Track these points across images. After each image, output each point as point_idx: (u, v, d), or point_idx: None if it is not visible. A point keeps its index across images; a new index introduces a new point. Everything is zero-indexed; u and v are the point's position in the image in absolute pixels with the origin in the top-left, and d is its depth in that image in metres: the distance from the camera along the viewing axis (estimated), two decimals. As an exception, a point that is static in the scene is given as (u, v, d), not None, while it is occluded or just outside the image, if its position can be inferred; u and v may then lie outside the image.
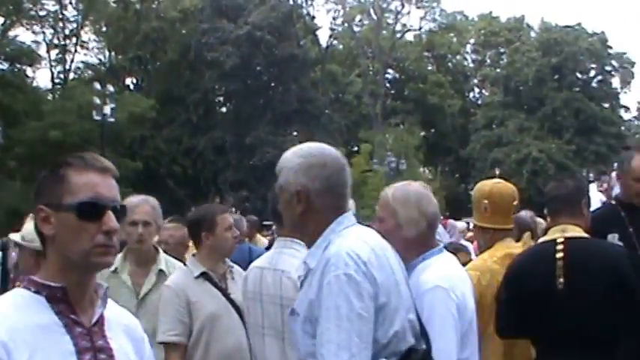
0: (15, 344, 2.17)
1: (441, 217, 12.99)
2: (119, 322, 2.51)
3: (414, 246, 3.97)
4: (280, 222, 4.43)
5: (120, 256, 5.27)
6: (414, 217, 3.96)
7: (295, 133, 56.04)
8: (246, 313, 4.71)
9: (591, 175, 43.81)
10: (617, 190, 21.96)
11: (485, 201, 4.99)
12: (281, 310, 4.27)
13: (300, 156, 3.43)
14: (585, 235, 4.63)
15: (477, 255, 6.99)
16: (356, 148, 55.86)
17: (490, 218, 5.00)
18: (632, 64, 67.03)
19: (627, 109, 69.42)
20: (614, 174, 24.33)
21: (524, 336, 4.65)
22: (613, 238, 6.00)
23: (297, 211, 3.38)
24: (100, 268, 2.44)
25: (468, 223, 15.85)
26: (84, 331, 2.32)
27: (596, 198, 25.91)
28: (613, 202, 6.41)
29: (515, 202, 5.14)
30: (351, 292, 3.05)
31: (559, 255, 4.35)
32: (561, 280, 4.30)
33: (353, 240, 3.23)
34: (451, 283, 3.87)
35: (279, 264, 4.40)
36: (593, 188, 26.99)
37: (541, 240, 4.79)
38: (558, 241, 4.43)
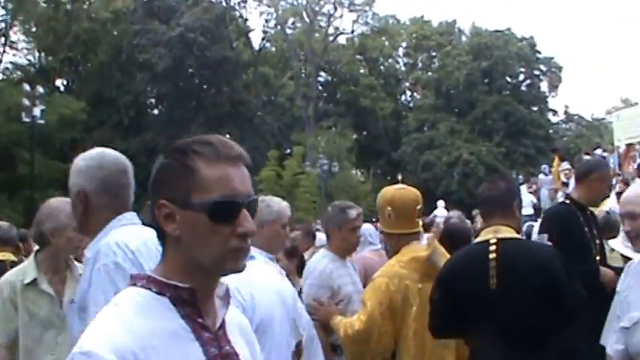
0: (145, 354, 1.94)
1: (373, 220, 13.18)
2: (234, 323, 2.28)
3: None
4: None
5: (31, 263, 5.05)
6: None
7: (228, 136, 55.88)
8: None
9: (520, 176, 44.47)
10: (544, 192, 22.34)
11: (389, 207, 5.08)
12: None
13: (82, 159, 3.66)
14: (517, 235, 4.73)
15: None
16: (288, 151, 55.62)
17: (395, 224, 5.09)
18: (560, 68, 68.37)
19: (555, 112, 70.87)
20: (541, 176, 24.78)
21: (457, 335, 4.76)
22: (542, 238, 6.19)
23: (78, 210, 3.62)
24: (233, 273, 2.17)
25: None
26: (211, 336, 2.11)
27: (527, 199, 26.31)
28: (567, 201, 6.59)
29: (418, 207, 5.22)
30: (118, 280, 3.20)
31: (492, 256, 4.41)
32: (494, 280, 4.36)
33: (125, 233, 3.47)
34: (238, 285, 3.96)
35: None
36: (523, 189, 27.56)
37: (475, 241, 4.89)
38: (491, 242, 4.47)
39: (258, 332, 3.85)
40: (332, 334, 5.32)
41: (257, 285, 4.14)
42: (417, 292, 4.91)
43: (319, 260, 5.93)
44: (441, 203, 28.73)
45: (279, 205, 5.27)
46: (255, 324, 3.88)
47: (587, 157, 28.81)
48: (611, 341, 4.09)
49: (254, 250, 4.79)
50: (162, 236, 2.08)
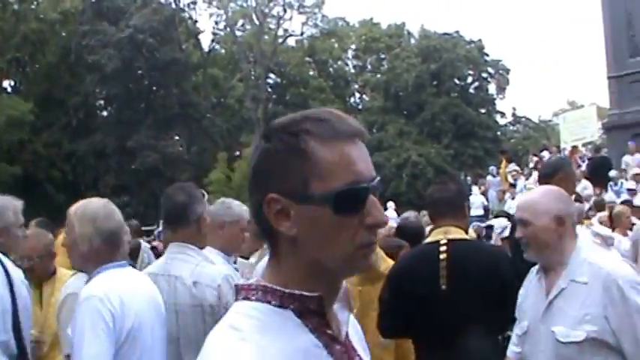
0: None
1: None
2: (354, 329, 1.96)
3: (90, 260, 4.11)
4: (174, 227, 4.66)
5: None
6: (87, 233, 4.06)
7: (177, 138, 55.85)
8: None
9: (469, 178, 44.93)
10: (492, 194, 22.64)
11: None
12: (175, 316, 4.39)
13: None
14: (467, 237, 4.90)
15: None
16: (238, 153, 55.70)
17: None
18: (508, 71, 68.97)
19: (503, 114, 71.27)
20: (489, 177, 25.14)
21: (405, 335, 4.86)
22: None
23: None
24: (362, 272, 1.95)
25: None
26: (342, 348, 1.79)
27: (478, 200, 26.73)
28: None
29: None
30: None
31: (442, 256, 4.53)
32: (444, 281, 4.47)
33: None
34: (108, 293, 3.95)
35: (172, 270, 4.50)
36: (475, 191, 27.98)
37: (425, 242, 4.97)
38: (442, 242, 4.60)
39: (129, 339, 3.95)
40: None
41: (127, 292, 4.10)
42: (357, 294, 5.01)
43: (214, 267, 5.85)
44: (390, 205, 28.96)
45: (240, 207, 5.40)
46: (126, 331, 3.95)
47: (535, 158, 29.37)
48: (511, 343, 4.26)
49: (211, 251, 5.02)
50: (271, 237, 1.76)
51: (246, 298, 1.77)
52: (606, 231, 10.76)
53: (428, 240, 4.87)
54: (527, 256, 4.07)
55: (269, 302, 1.73)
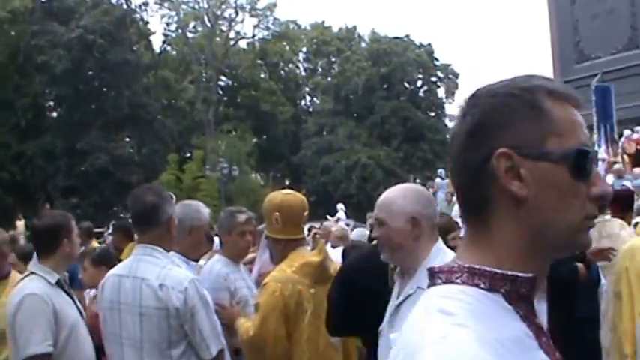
0: None
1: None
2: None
3: None
4: (142, 228, 4.62)
5: None
6: None
7: (127, 139, 55.61)
8: (103, 322, 4.59)
9: (418, 180, 45.30)
10: (441, 196, 23.20)
11: (277, 213, 5.05)
12: (140, 318, 4.34)
13: None
14: None
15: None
16: (188, 155, 55.51)
17: (282, 229, 5.07)
18: (457, 75, 69.54)
19: (452, 117, 71.48)
20: (437, 179, 25.58)
21: (354, 334, 4.87)
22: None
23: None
24: (580, 251, 1.62)
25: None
26: (548, 340, 1.55)
27: None
28: None
29: (305, 213, 5.25)
30: None
31: None
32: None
33: None
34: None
35: (138, 271, 4.43)
36: None
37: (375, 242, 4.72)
38: None
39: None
40: (234, 337, 5.37)
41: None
42: (310, 296, 4.95)
43: (214, 263, 5.92)
44: (340, 207, 29.29)
45: (205, 211, 5.48)
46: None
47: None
48: None
49: (176, 255, 5.01)
50: (484, 204, 1.53)
51: (449, 281, 1.52)
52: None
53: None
54: (383, 257, 3.96)
55: (477, 285, 1.49)
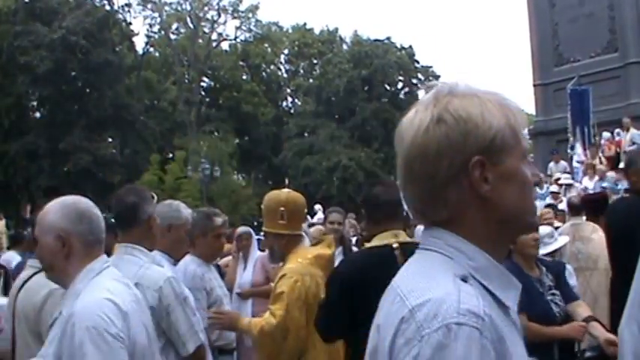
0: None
1: (254, 224, 14.13)
2: None
3: None
4: (124, 228, 4.76)
5: None
6: None
7: (110, 140, 55.70)
8: None
9: (398, 182, 45.61)
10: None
11: (282, 208, 5.12)
12: None
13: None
14: (415, 240, 4.90)
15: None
16: (170, 155, 55.52)
17: (286, 225, 5.13)
18: (437, 77, 68.81)
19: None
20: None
21: (341, 337, 4.75)
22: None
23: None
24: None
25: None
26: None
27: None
28: (626, 194, 6.99)
29: (305, 210, 5.49)
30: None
31: (401, 260, 4.26)
32: None
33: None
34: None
35: (117, 271, 4.44)
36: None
37: (373, 244, 4.71)
38: (394, 246, 4.50)
39: None
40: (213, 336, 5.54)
41: None
42: (324, 287, 4.93)
43: (188, 264, 6.00)
44: (319, 207, 29.65)
45: (187, 211, 5.65)
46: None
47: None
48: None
49: (158, 254, 5.17)
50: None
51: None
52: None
53: (376, 243, 4.66)
54: (47, 277, 3.78)
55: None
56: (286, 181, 56.11)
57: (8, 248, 13.35)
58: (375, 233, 4.70)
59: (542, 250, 6.84)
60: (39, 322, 4.78)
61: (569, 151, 24.31)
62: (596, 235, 7.99)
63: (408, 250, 4.00)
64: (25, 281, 5.08)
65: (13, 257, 11.47)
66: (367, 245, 4.85)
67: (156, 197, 5.04)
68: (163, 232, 5.32)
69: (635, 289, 3.58)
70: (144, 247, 4.72)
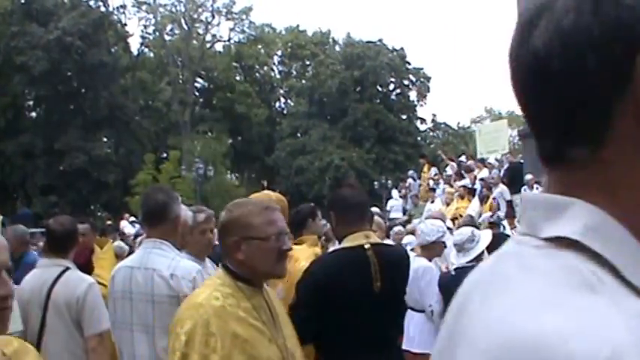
0: None
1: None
2: None
3: None
4: (153, 223, 4.91)
5: None
6: None
7: (105, 139, 55.99)
8: (113, 311, 4.89)
9: (390, 181, 45.99)
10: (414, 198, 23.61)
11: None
12: (152, 306, 4.62)
13: None
14: (385, 241, 5.22)
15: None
16: (165, 155, 55.60)
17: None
18: (428, 78, 70.08)
19: (423, 120, 72.52)
20: (410, 180, 26.18)
21: (331, 340, 4.58)
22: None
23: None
24: None
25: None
26: None
27: (398, 204, 27.46)
28: None
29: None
30: None
31: (374, 260, 4.45)
32: (378, 284, 4.42)
33: None
34: None
35: (149, 263, 4.70)
36: (395, 194, 28.76)
37: (344, 246, 4.66)
38: (366, 247, 4.51)
39: None
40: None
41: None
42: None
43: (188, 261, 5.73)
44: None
45: (188, 214, 5.70)
46: None
47: (452, 163, 30.63)
48: None
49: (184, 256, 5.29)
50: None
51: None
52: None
53: (348, 244, 4.60)
54: None
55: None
56: (276, 182, 56.24)
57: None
58: (345, 234, 4.64)
59: (463, 259, 7.11)
60: (81, 311, 5.43)
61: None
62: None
63: (379, 250, 4.54)
64: (57, 278, 5.56)
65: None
66: (338, 246, 4.81)
67: (180, 198, 5.21)
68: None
69: None
70: (169, 242, 4.91)
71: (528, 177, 21.18)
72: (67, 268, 5.64)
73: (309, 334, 4.29)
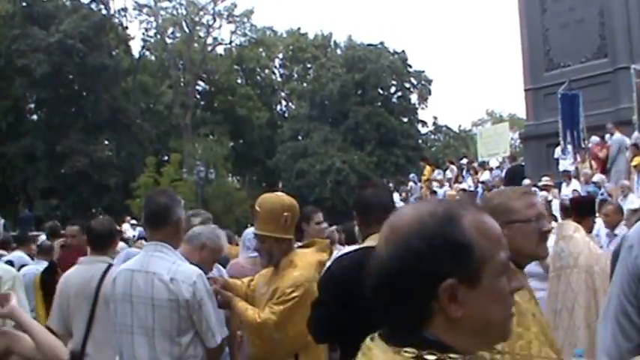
0: None
1: (248, 225, 14.56)
2: None
3: None
4: (156, 226, 4.92)
5: None
6: None
7: (106, 142, 55.96)
8: (114, 313, 4.89)
9: (391, 184, 46.01)
10: (412, 201, 24.03)
11: (287, 213, 5.09)
12: (152, 309, 4.67)
13: None
14: None
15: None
16: (166, 158, 55.71)
17: (289, 229, 5.13)
18: (430, 81, 70.03)
19: (424, 123, 72.36)
20: (411, 183, 26.14)
21: (334, 339, 4.73)
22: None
23: None
24: None
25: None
26: None
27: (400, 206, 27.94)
28: None
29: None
30: None
31: None
32: None
33: None
34: None
35: (150, 266, 4.74)
36: (396, 197, 28.77)
37: (366, 245, 4.57)
38: None
39: None
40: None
41: None
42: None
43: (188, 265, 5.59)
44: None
45: (224, 240, 5.96)
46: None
47: (452, 166, 30.66)
48: None
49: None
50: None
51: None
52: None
53: (369, 244, 4.44)
54: None
55: None
56: (279, 184, 56.19)
57: (13, 249, 13.27)
58: (368, 234, 4.60)
59: None
60: None
61: (555, 155, 24.62)
62: (577, 234, 7.98)
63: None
64: (104, 273, 5.94)
65: (20, 258, 11.18)
66: (360, 246, 4.76)
67: (182, 201, 5.19)
68: (197, 249, 5.62)
69: (613, 282, 3.60)
70: (171, 245, 4.92)
71: (526, 182, 21.14)
72: (110, 265, 6.01)
73: (323, 333, 4.52)
